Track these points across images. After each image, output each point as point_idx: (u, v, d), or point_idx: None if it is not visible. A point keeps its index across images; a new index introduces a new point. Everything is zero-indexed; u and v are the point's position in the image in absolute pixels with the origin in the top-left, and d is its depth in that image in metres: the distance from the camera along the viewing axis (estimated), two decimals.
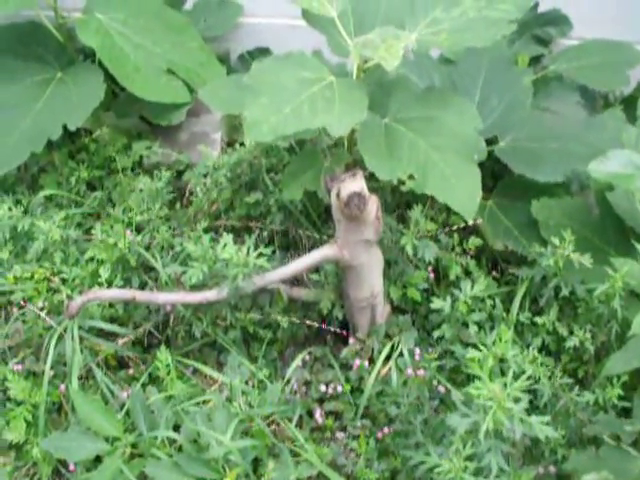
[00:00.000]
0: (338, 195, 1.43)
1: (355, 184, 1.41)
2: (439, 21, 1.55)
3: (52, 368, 1.68)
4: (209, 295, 1.60)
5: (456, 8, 1.55)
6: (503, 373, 1.55)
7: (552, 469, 1.51)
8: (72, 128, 2.01)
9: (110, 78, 2.09)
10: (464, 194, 1.48)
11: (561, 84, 2.19)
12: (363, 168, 1.52)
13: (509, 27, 1.52)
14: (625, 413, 1.55)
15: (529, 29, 2.26)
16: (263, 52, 2.37)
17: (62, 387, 1.67)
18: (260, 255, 1.54)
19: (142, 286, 1.81)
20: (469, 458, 1.34)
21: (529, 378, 1.34)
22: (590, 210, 1.84)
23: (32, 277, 1.80)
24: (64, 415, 1.68)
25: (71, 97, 2.07)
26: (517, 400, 1.29)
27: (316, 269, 1.73)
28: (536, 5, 2.22)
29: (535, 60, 2.27)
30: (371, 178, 1.60)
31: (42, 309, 1.75)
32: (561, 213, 1.81)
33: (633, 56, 2.15)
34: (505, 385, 1.29)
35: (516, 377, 1.33)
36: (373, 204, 1.47)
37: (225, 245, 1.55)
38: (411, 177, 1.50)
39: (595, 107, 2.24)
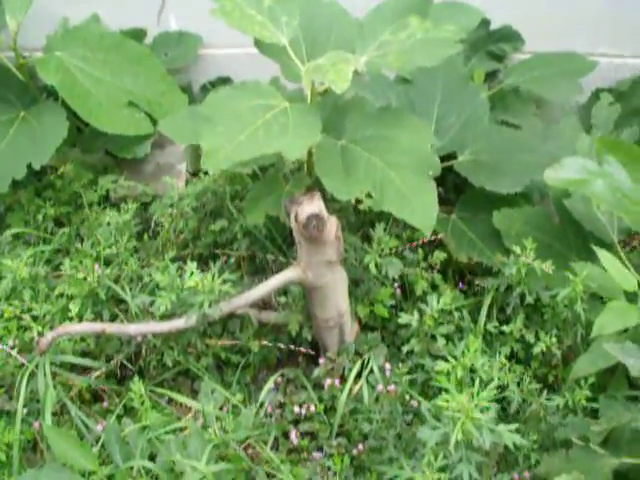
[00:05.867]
0: (297, 218, 1.45)
1: (313, 206, 1.44)
2: (387, 44, 1.58)
3: (25, 406, 1.67)
4: (177, 324, 1.61)
5: (403, 31, 1.58)
6: (474, 383, 1.58)
7: (527, 474, 1.52)
8: (36, 167, 2.02)
9: (74, 114, 2.11)
10: (421, 209, 1.50)
11: (517, 97, 2.25)
12: (323, 190, 1.54)
13: (456, 47, 1.55)
14: (595, 414, 1.57)
15: (483, 46, 2.31)
16: (224, 81, 2.41)
17: (36, 424, 1.67)
18: (225, 281, 1.55)
19: (113, 319, 1.81)
20: (442, 469, 1.35)
21: (498, 386, 1.36)
22: (550, 217, 1.87)
23: (2, 316, 1.80)
24: (39, 453, 1.67)
25: (35, 136, 2.08)
26: (485, 410, 1.31)
27: (283, 291, 1.75)
28: (488, 23, 2.27)
29: (491, 75, 2.32)
30: (333, 199, 1.62)
31: (13, 347, 1.75)
32: (522, 222, 1.84)
33: (584, 66, 2.21)
34: (472, 396, 1.31)
35: (485, 386, 1.35)
36: (332, 225, 1.50)
37: (192, 273, 1.57)
38: (369, 195, 1.53)
39: (552, 117, 2.30)
